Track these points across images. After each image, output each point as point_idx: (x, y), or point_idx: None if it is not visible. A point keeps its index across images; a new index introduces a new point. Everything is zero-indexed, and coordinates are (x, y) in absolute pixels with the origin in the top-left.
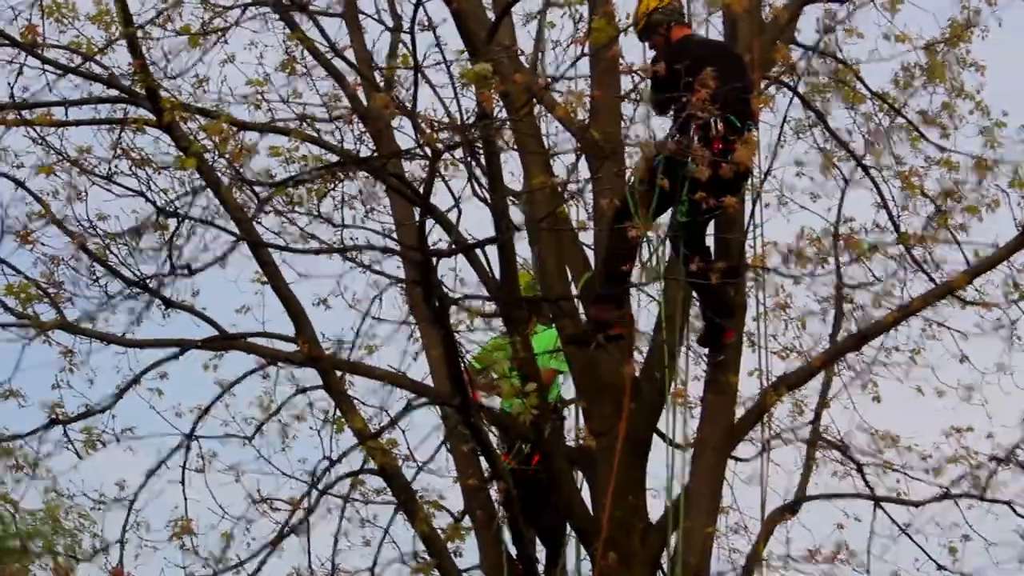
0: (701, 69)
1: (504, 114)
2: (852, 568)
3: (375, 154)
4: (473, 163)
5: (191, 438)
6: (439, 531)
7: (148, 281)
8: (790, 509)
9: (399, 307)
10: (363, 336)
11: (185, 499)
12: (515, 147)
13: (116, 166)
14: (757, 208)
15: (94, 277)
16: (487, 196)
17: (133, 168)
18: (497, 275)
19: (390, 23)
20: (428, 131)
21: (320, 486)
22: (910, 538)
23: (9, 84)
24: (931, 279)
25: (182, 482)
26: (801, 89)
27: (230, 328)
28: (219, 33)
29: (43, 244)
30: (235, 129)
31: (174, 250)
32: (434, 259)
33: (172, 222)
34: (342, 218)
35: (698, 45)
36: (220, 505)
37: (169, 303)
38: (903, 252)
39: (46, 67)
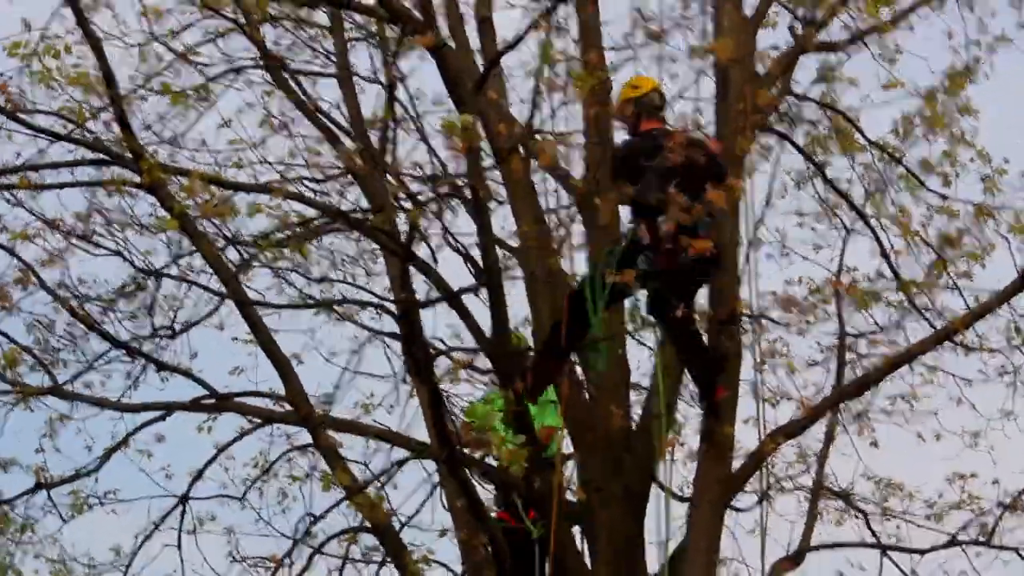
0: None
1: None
2: None
3: (357, 209)
4: (453, 212)
5: (186, 500)
6: None
7: (134, 343)
8: (793, 560)
9: (392, 361)
10: (344, 389)
11: (182, 561)
12: (499, 200)
13: (95, 228)
14: (751, 256)
15: (76, 340)
16: (460, 246)
17: (111, 229)
18: (488, 327)
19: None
20: (396, 184)
21: (314, 544)
22: None
23: None
24: (932, 325)
25: (178, 546)
26: (801, 140)
27: (223, 389)
28: (201, 91)
29: (24, 311)
30: (217, 189)
31: (156, 311)
32: (413, 310)
33: (151, 282)
34: (334, 274)
35: (656, 143)
36: (214, 569)
37: (162, 366)
38: (904, 300)
39: (37, 134)
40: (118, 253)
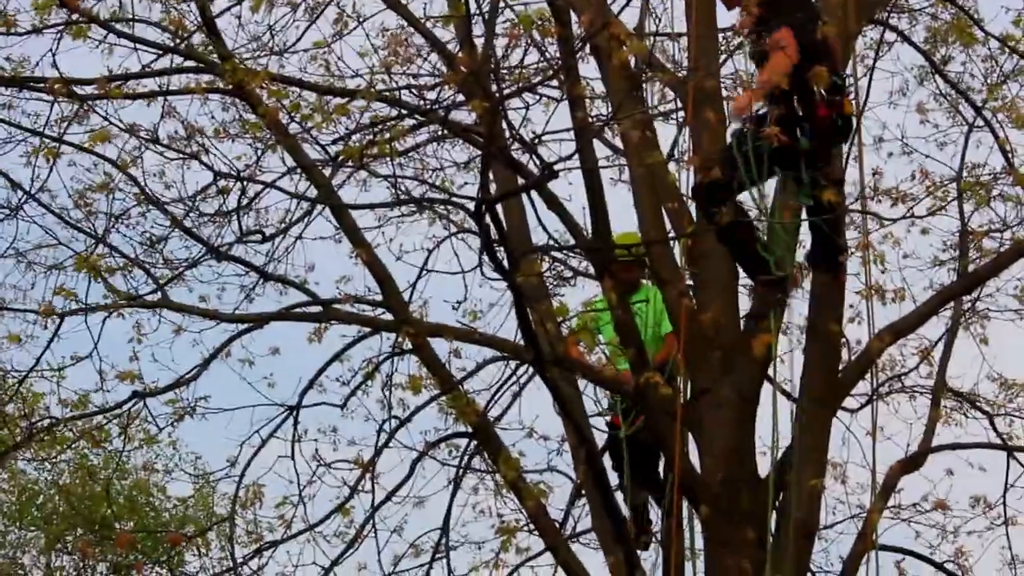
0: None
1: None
2: (988, 520)
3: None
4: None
5: (297, 409)
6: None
7: (226, 248)
8: (912, 461)
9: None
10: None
11: (296, 472)
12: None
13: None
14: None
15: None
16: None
17: (195, 136)
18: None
19: None
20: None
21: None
22: None
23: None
24: None
25: (292, 455)
26: (921, 35)
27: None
28: None
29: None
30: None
31: (241, 216)
32: (488, 204)
33: (237, 187)
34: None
35: None
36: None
37: (266, 276)
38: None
39: (137, 45)
40: (194, 156)
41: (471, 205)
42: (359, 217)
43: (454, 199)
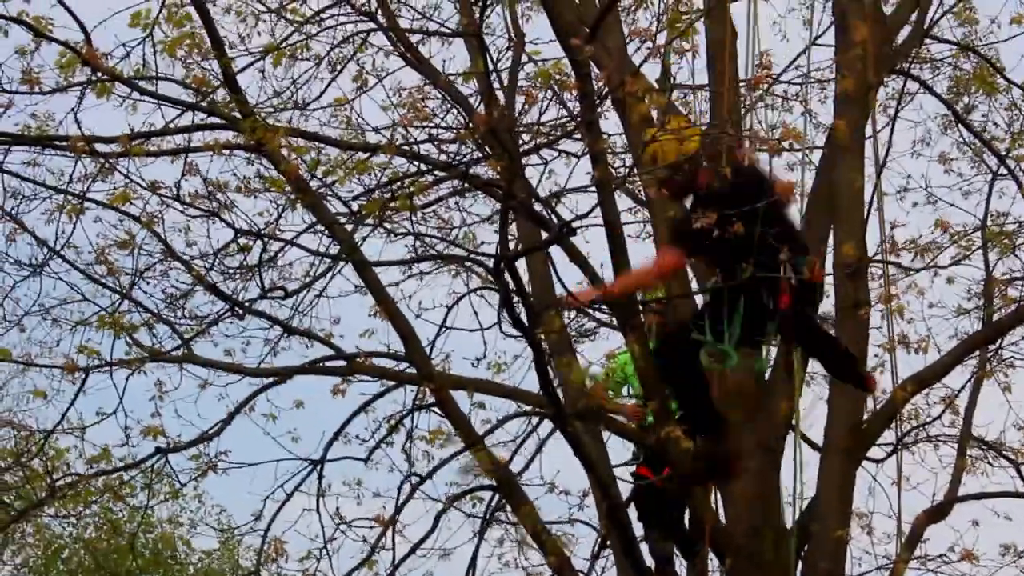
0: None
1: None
2: (1018, 568)
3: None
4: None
5: (321, 463)
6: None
7: (249, 304)
8: (938, 511)
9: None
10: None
11: (322, 526)
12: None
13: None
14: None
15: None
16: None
17: (217, 193)
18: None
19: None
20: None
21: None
22: None
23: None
24: None
25: (317, 509)
26: (944, 85)
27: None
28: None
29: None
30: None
31: (264, 272)
32: (507, 261)
33: (259, 245)
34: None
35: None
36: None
37: (291, 330)
38: None
39: (160, 102)
40: (215, 214)
41: (490, 262)
42: (382, 273)
43: (472, 256)
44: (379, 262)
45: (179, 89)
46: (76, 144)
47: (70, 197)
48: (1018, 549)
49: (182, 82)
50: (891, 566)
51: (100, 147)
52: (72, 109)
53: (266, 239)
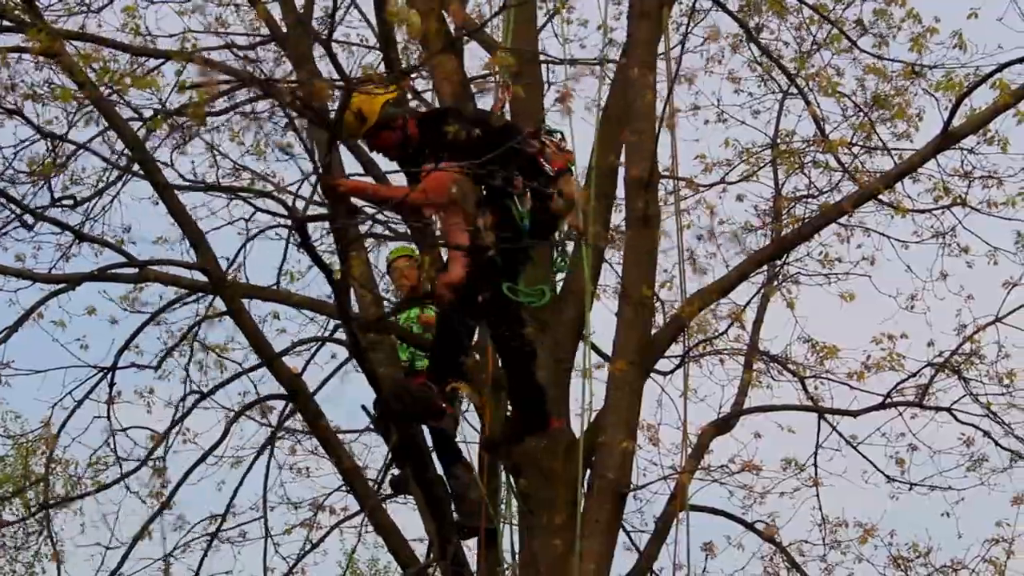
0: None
1: None
2: (799, 482)
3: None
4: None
5: (113, 371)
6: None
7: (40, 211)
8: (722, 424)
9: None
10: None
11: (112, 432)
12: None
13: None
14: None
15: None
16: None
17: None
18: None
19: None
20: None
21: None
22: (856, 450)
23: None
24: (855, 181)
25: (108, 416)
26: (733, 4)
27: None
28: None
29: None
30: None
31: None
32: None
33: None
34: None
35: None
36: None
37: (82, 237)
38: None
39: None
40: (18, 112)
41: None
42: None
43: (273, 194)
44: (179, 185)
45: None
46: None
47: None
48: (798, 462)
49: None
50: (676, 477)
51: None
52: None
53: (59, 141)
